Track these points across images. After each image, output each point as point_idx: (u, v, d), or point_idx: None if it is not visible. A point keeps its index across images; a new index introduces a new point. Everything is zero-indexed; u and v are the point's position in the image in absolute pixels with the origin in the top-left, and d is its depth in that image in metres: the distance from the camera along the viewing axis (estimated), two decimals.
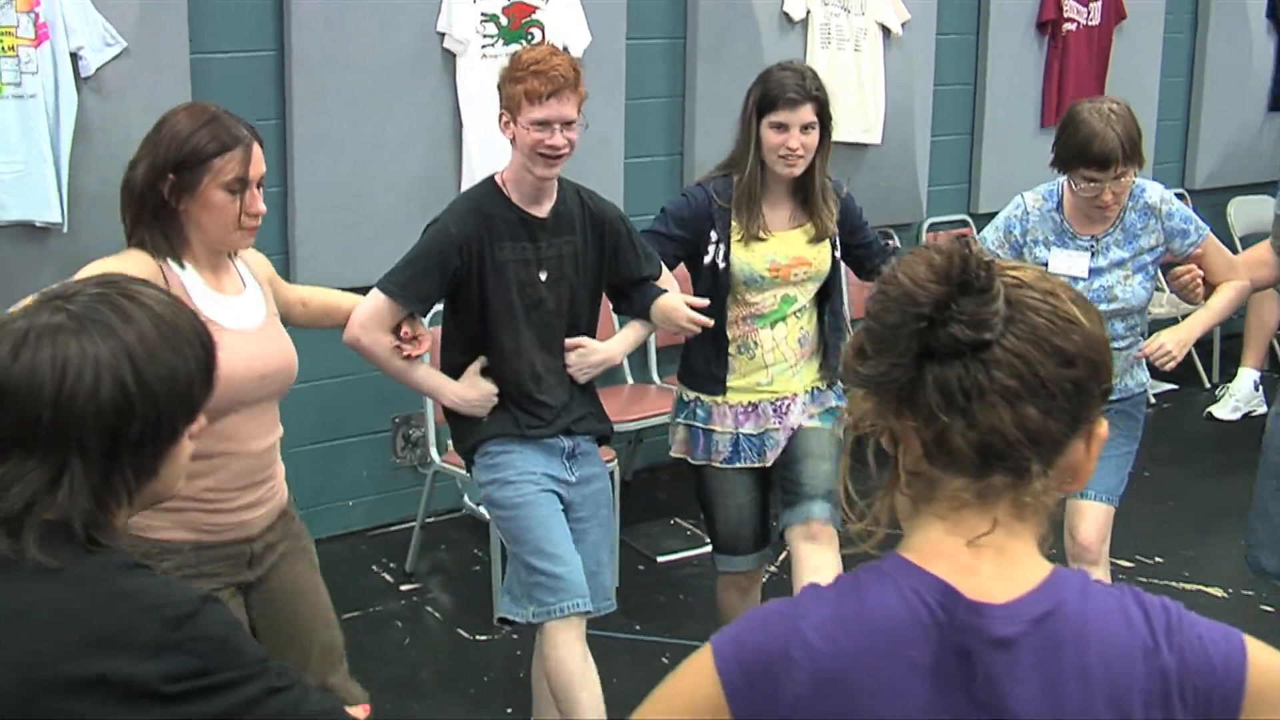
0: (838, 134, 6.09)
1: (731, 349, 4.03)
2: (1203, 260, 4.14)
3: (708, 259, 3.98)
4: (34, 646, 1.70)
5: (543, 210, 3.65)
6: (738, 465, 4.05)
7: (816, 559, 3.95)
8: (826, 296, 4.11)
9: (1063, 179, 4.11)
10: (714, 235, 3.97)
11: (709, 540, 4.25)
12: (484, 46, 5.41)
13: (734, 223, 3.95)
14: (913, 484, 1.63)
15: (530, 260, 3.64)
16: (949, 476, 1.60)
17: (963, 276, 1.56)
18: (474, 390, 3.68)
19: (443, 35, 5.35)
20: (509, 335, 3.65)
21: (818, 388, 4.10)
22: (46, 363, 1.74)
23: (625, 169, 5.93)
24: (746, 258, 3.96)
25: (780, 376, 4.05)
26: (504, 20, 5.44)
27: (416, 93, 5.35)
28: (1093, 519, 4.26)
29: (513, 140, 3.57)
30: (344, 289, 3.80)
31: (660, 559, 5.59)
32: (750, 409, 4.04)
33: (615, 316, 5.26)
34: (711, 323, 3.87)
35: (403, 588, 5.31)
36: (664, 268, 3.91)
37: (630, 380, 6.05)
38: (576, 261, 3.71)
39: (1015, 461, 1.57)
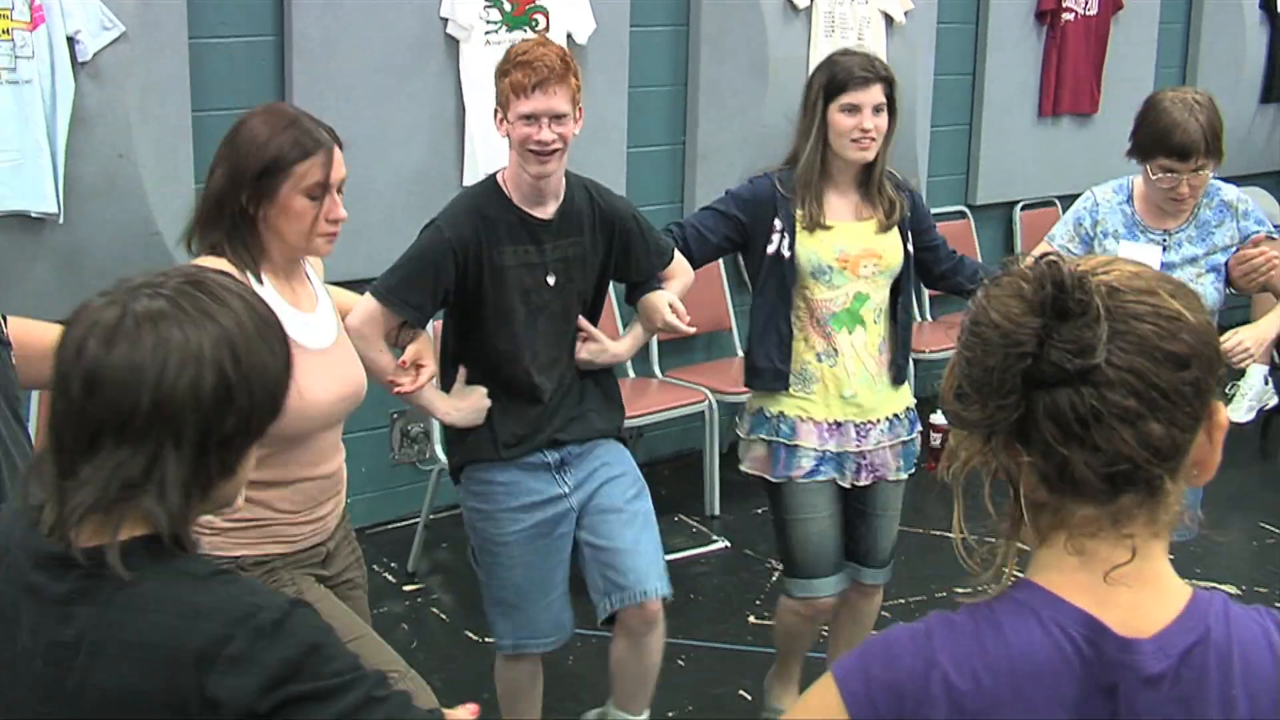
0: None
1: (810, 356, 3.87)
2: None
3: (772, 248, 3.84)
4: (128, 673, 1.61)
5: (547, 211, 3.48)
6: (819, 479, 3.90)
7: (864, 611, 4.14)
8: (897, 293, 3.97)
9: (1133, 176, 4.01)
10: (778, 223, 3.83)
11: (782, 563, 4.07)
12: (487, 33, 5.28)
13: (798, 211, 3.84)
14: (1038, 516, 1.54)
15: (535, 264, 3.47)
16: (1076, 504, 1.51)
17: (1058, 304, 1.47)
18: (465, 400, 3.52)
19: (445, 21, 5.21)
20: (505, 340, 3.48)
21: (896, 414, 3.97)
22: (149, 349, 1.63)
23: (628, 158, 5.81)
24: (813, 246, 3.82)
25: (863, 390, 3.89)
26: (507, 6, 5.31)
27: (419, 80, 5.21)
28: None
29: (507, 137, 3.41)
30: (344, 282, 3.65)
31: (666, 557, 5.46)
32: (835, 427, 3.89)
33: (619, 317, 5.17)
34: (692, 331, 3.79)
35: (405, 588, 5.19)
36: (677, 256, 3.76)
37: (632, 374, 5.92)
38: (584, 263, 3.56)
39: (1145, 480, 1.49)
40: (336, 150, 2.88)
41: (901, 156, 6.62)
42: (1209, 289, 3.95)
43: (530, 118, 3.32)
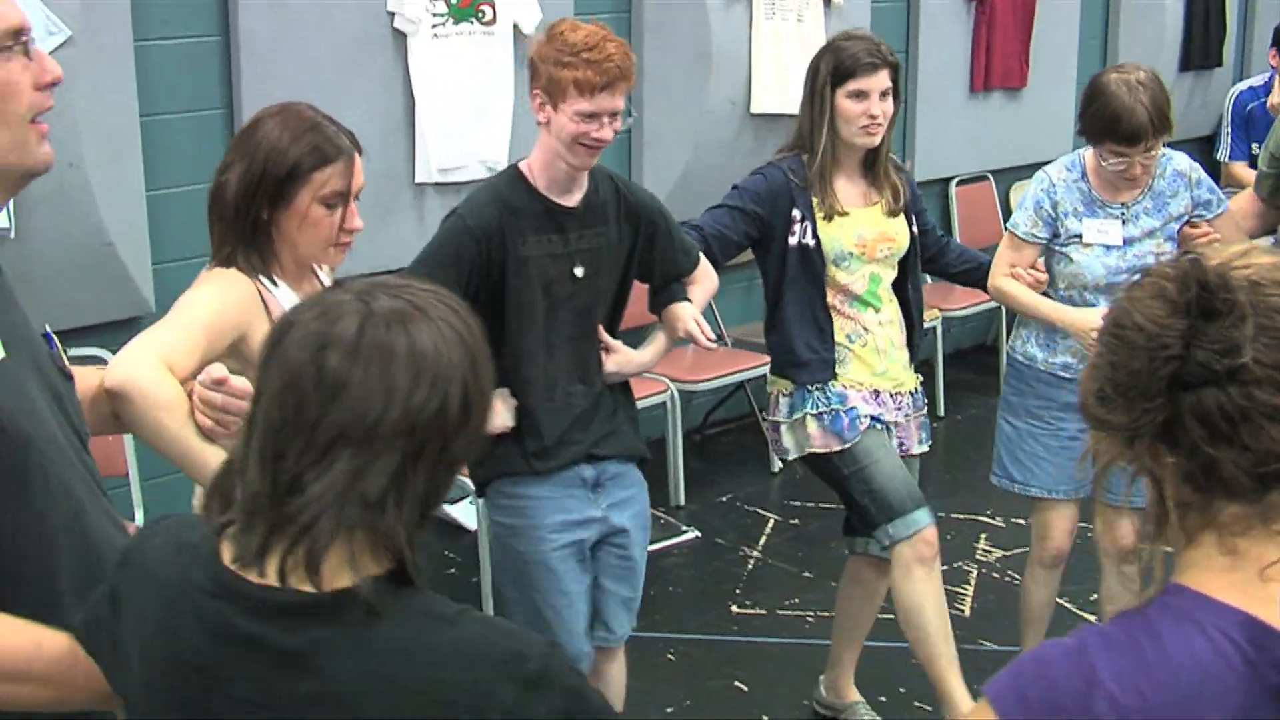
0: (785, 106, 6.01)
1: (841, 338, 3.87)
2: (1217, 227, 4.05)
3: (794, 239, 3.81)
4: None
5: (573, 199, 3.37)
6: (879, 425, 3.88)
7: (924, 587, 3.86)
8: (904, 275, 3.98)
9: (1083, 151, 4.02)
10: (797, 213, 3.80)
11: (874, 515, 3.83)
12: (435, 26, 5.18)
13: (815, 200, 3.80)
14: (1184, 517, 1.52)
15: (560, 254, 3.36)
16: (1224, 503, 1.49)
17: (1204, 304, 1.46)
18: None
19: (393, 15, 5.10)
20: (526, 337, 3.36)
21: (916, 389, 4.01)
22: (403, 354, 1.52)
23: None
24: (835, 234, 3.81)
25: (893, 364, 3.92)
26: None
27: (367, 76, 5.10)
28: (1128, 525, 4.19)
29: (546, 124, 3.29)
30: None
31: None
32: (874, 395, 3.90)
33: None
34: (713, 347, 3.72)
35: None
36: (702, 261, 3.69)
37: None
38: (610, 256, 3.45)
39: None
40: (357, 158, 2.78)
41: None
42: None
43: (592, 116, 3.21)
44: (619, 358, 3.52)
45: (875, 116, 3.73)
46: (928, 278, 6.45)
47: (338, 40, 4.99)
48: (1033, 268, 3.98)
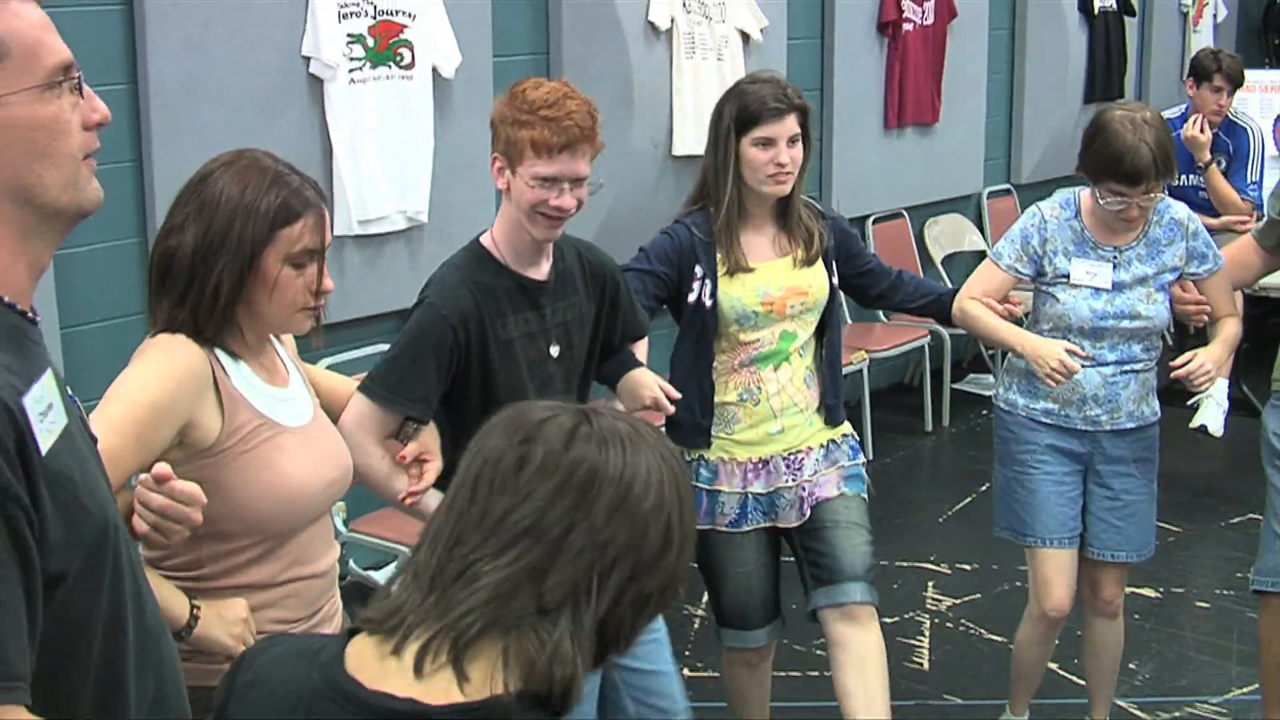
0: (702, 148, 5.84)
1: (732, 397, 3.65)
2: (1209, 289, 3.96)
3: (693, 296, 3.59)
4: None
5: (542, 271, 3.11)
6: (745, 528, 3.68)
7: (861, 645, 3.69)
8: (824, 327, 3.76)
9: (1080, 190, 3.89)
10: (699, 270, 3.58)
11: (714, 613, 3.84)
12: (351, 71, 4.93)
13: (719, 255, 3.58)
14: None
15: (536, 333, 3.10)
16: None
17: None
18: None
19: (308, 60, 4.85)
20: None
21: (832, 440, 3.77)
22: (616, 463, 1.44)
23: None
24: (736, 292, 3.59)
25: (791, 424, 3.68)
26: (370, 41, 4.97)
27: (284, 122, 4.83)
28: (1117, 579, 4.09)
29: (506, 190, 3.03)
30: None
31: None
32: (760, 466, 3.68)
33: None
34: (678, 398, 3.37)
35: None
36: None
37: None
38: (582, 328, 3.21)
39: None
40: (324, 211, 2.49)
41: None
42: (1160, 308, 3.86)
43: (550, 181, 2.94)
44: None
45: (783, 165, 3.52)
46: (848, 319, 6.32)
47: (252, 86, 4.72)
48: (1005, 301, 3.85)
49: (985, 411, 7.47)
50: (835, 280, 3.74)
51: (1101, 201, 3.73)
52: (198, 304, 2.40)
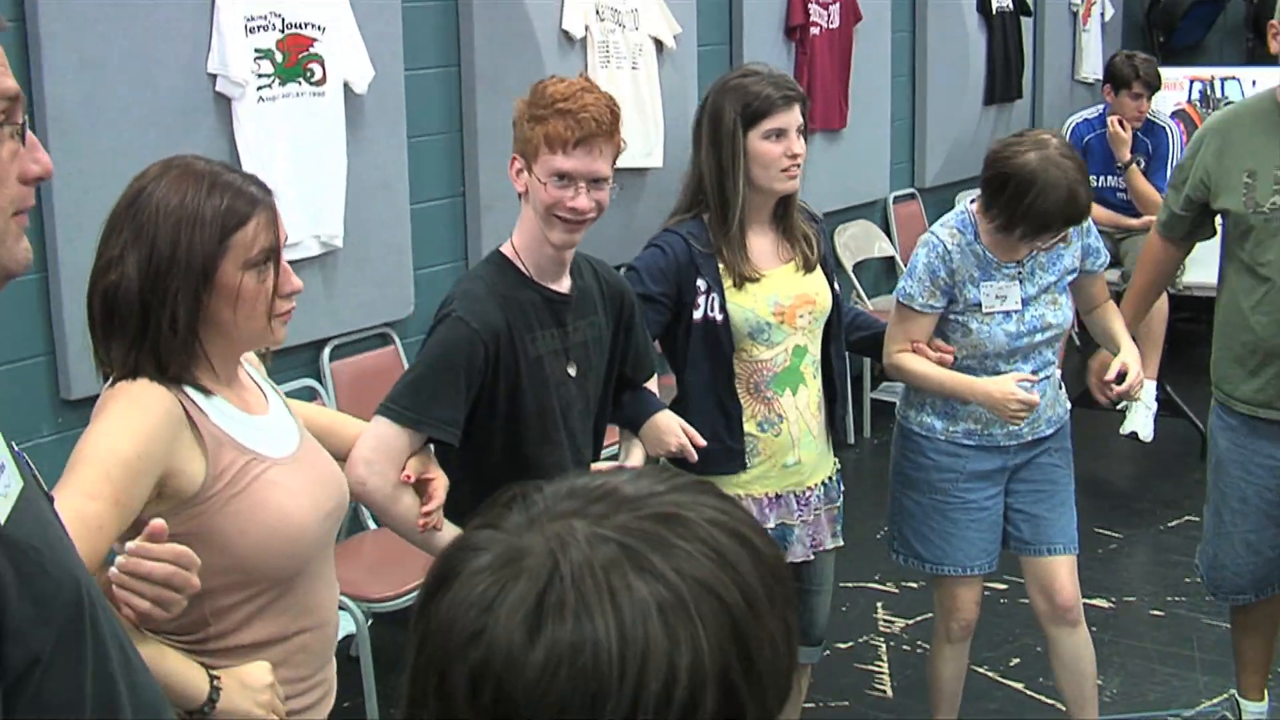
0: (628, 160, 5.64)
1: (751, 426, 3.43)
2: (1097, 282, 3.91)
3: (699, 313, 3.36)
4: None
5: (564, 285, 2.90)
6: None
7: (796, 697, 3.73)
8: (827, 341, 3.57)
9: (970, 208, 3.68)
10: (701, 284, 3.35)
11: None
12: (260, 88, 4.62)
13: (722, 266, 3.36)
14: None
15: (560, 351, 2.88)
16: None
17: None
18: None
19: (214, 77, 4.54)
20: (551, 451, 2.83)
21: (829, 478, 3.60)
22: (610, 649, 0.94)
23: (412, 215, 5.24)
24: (747, 303, 3.37)
25: (807, 455, 3.49)
26: (279, 56, 4.67)
27: (190, 143, 4.47)
28: (1068, 575, 3.92)
29: (523, 194, 2.81)
30: None
31: None
32: (775, 500, 3.48)
33: None
34: (703, 444, 3.16)
35: None
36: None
37: None
38: (601, 349, 2.99)
39: None
40: (274, 205, 2.25)
41: (674, 188, 6.25)
42: (1065, 310, 3.75)
43: (566, 179, 2.72)
44: None
45: (796, 156, 3.35)
46: None
47: (155, 106, 4.40)
48: (935, 348, 3.67)
49: None
50: (836, 287, 3.55)
51: (1022, 242, 3.56)
52: (157, 340, 2.15)
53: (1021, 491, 3.83)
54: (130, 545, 1.93)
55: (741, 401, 3.43)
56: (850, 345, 3.84)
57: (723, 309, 3.35)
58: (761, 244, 3.43)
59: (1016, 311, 3.65)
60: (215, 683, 2.14)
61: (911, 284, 3.65)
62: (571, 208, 2.74)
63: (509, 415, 2.81)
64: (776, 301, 3.40)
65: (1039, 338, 3.69)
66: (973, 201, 3.68)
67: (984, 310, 3.63)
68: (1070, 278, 3.76)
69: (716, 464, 3.38)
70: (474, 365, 2.75)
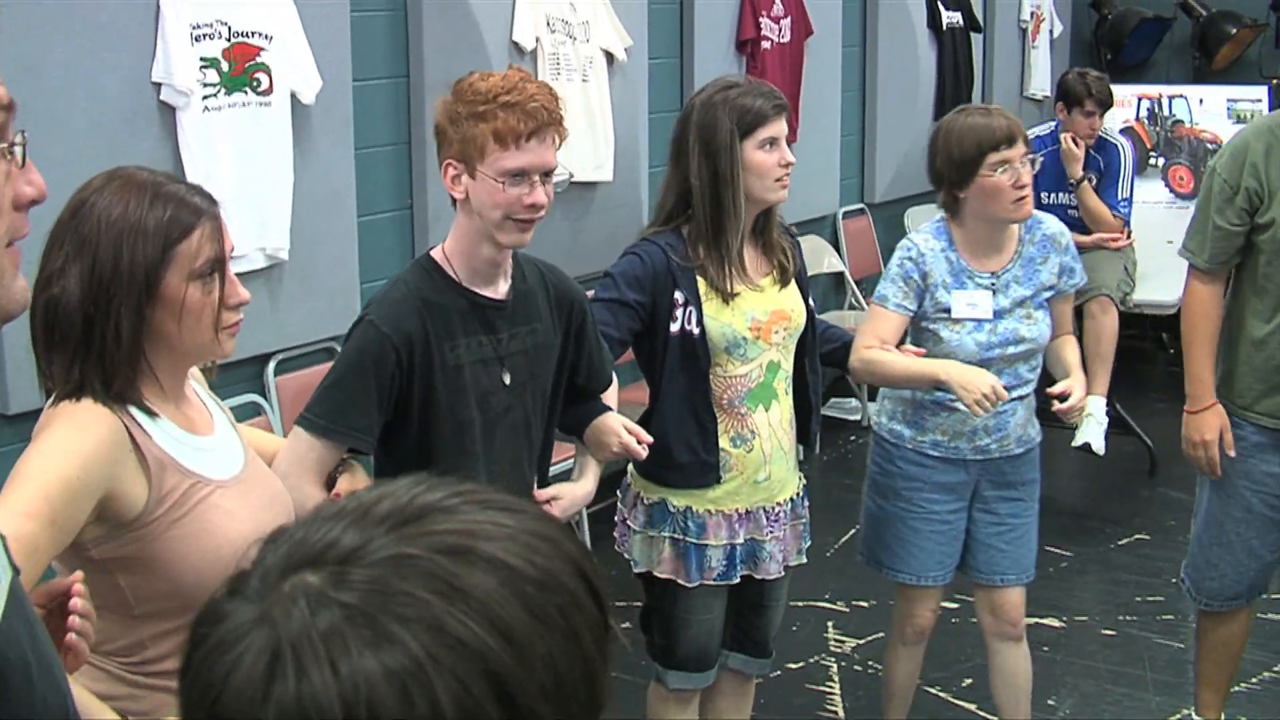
0: (581, 173, 5.59)
1: (725, 442, 3.39)
2: (1063, 304, 3.90)
3: (676, 325, 3.31)
4: None
5: (499, 290, 2.81)
6: (733, 580, 3.46)
7: (746, 702, 3.83)
8: (800, 356, 3.53)
9: (947, 218, 3.74)
10: (679, 296, 3.30)
11: (661, 654, 3.58)
12: (206, 98, 4.53)
13: (701, 280, 3.32)
14: None
15: (490, 359, 2.79)
16: None
17: None
18: None
19: (159, 86, 4.45)
20: (465, 462, 2.73)
21: (796, 494, 3.57)
22: (334, 710, 0.87)
23: (359, 228, 5.16)
24: (725, 318, 3.33)
25: (777, 470, 3.46)
26: (225, 65, 4.58)
27: (134, 153, 4.38)
28: (1018, 597, 3.95)
29: (464, 200, 2.71)
30: None
31: None
32: (746, 516, 3.44)
33: None
34: (650, 441, 3.08)
35: None
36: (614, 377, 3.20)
37: None
38: (545, 357, 2.90)
39: None
40: (219, 215, 2.20)
41: (628, 203, 6.23)
42: (1041, 326, 3.74)
43: (521, 175, 2.63)
44: (562, 503, 2.95)
45: (789, 165, 3.34)
46: None
47: (98, 116, 4.31)
48: (903, 349, 3.65)
49: (854, 437, 7.33)
50: (811, 303, 3.52)
51: (992, 181, 3.58)
52: (101, 354, 2.10)
53: (984, 522, 3.85)
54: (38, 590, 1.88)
55: (717, 415, 3.38)
56: (820, 357, 3.82)
57: (700, 323, 3.31)
58: (743, 256, 3.39)
59: (989, 321, 3.66)
60: None
61: (887, 286, 3.70)
62: (530, 204, 2.66)
63: (422, 426, 2.73)
64: (754, 317, 3.36)
65: (1010, 350, 3.68)
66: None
67: (954, 317, 3.65)
68: (1048, 294, 3.76)
69: (690, 478, 3.38)
70: (384, 370, 2.67)
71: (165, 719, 2.18)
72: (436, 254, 2.81)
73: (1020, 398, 3.76)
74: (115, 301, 2.08)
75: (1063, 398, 3.75)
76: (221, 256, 2.17)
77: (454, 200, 2.76)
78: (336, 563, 0.94)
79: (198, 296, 2.13)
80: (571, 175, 2.82)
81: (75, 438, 2.07)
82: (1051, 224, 3.84)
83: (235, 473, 2.26)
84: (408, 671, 0.89)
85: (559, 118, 2.69)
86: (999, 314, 3.67)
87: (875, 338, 3.65)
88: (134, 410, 2.13)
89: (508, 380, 2.82)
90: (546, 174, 2.68)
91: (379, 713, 0.87)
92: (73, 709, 1.38)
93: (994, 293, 3.68)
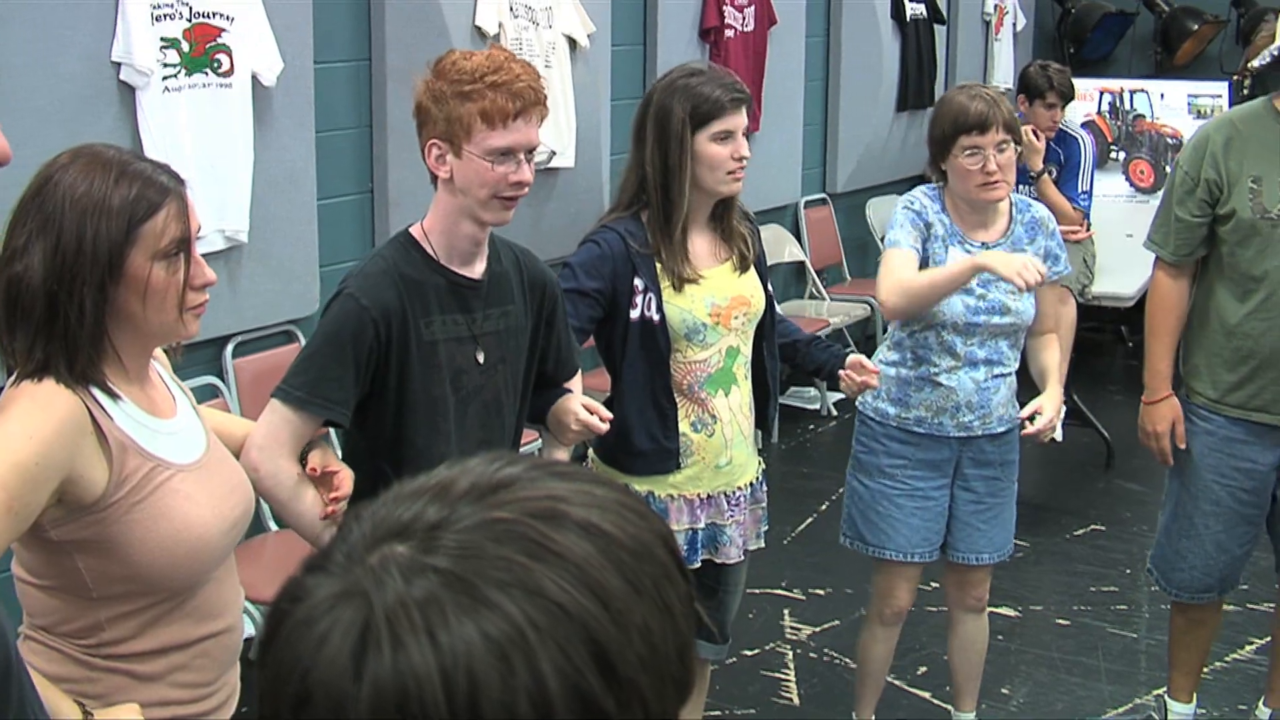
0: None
1: (685, 427, 3.40)
2: (1046, 295, 3.93)
3: (635, 313, 3.31)
4: None
5: (475, 270, 2.81)
6: (693, 565, 3.45)
7: (701, 690, 3.83)
8: (759, 342, 3.54)
9: (941, 184, 3.81)
10: (639, 283, 3.30)
11: None
12: (166, 78, 4.51)
13: (659, 266, 3.32)
14: None
15: (465, 338, 2.79)
16: None
17: None
18: None
19: (119, 66, 4.42)
20: (437, 441, 2.74)
21: (755, 480, 3.58)
22: (435, 692, 0.85)
23: (319, 211, 5.14)
24: (684, 304, 3.33)
25: (738, 455, 3.47)
26: (186, 45, 4.55)
27: (92, 134, 4.29)
28: (986, 574, 4.07)
29: (448, 179, 2.69)
30: None
31: None
32: (707, 501, 3.45)
33: None
34: (610, 418, 3.07)
35: None
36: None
37: None
38: (517, 339, 2.90)
39: None
40: (185, 194, 2.17)
41: (589, 190, 6.22)
42: (1026, 305, 3.79)
43: (507, 154, 2.64)
44: None
45: (745, 158, 3.33)
46: None
47: (56, 95, 4.27)
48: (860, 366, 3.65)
49: (812, 426, 7.35)
50: (770, 288, 3.53)
51: (961, 165, 3.66)
52: (64, 332, 2.08)
53: (964, 500, 3.92)
54: None
55: (677, 401, 3.39)
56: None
57: (659, 309, 3.31)
58: (700, 244, 3.39)
59: (979, 288, 3.71)
60: (88, 716, 2.11)
61: (899, 233, 3.74)
62: (516, 182, 2.67)
63: (398, 402, 2.73)
64: (713, 303, 3.37)
65: (996, 320, 3.74)
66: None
67: None
68: None
69: (651, 464, 3.38)
70: (363, 343, 2.67)
71: (121, 703, 2.18)
72: (415, 231, 2.81)
73: (1002, 375, 3.82)
74: (79, 280, 2.07)
75: (1034, 417, 3.80)
76: (187, 236, 2.15)
77: (433, 179, 2.75)
78: (425, 532, 0.91)
79: (162, 276, 2.12)
80: (554, 152, 2.82)
81: (36, 420, 2.05)
82: (1039, 209, 3.93)
83: (196, 457, 2.25)
84: (508, 639, 0.86)
85: (544, 97, 2.70)
86: (987, 284, 3.72)
87: (906, 273, 3.66)
88: (96, 391, 2.12)
89: (481, 359, 2.82)
90: (530, 152, 2.69)
91: (479, 683, 0.85)
92: (12, 645, 1.37)
93: None
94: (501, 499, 0.93)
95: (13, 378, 2.13)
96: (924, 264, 3.71)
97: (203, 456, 2.27)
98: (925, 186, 3.86)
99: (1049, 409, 3.82)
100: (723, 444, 3.43)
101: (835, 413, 7.44)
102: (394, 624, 0.86)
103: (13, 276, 2.08)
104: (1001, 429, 3.86)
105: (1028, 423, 3.80)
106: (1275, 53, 3.82)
